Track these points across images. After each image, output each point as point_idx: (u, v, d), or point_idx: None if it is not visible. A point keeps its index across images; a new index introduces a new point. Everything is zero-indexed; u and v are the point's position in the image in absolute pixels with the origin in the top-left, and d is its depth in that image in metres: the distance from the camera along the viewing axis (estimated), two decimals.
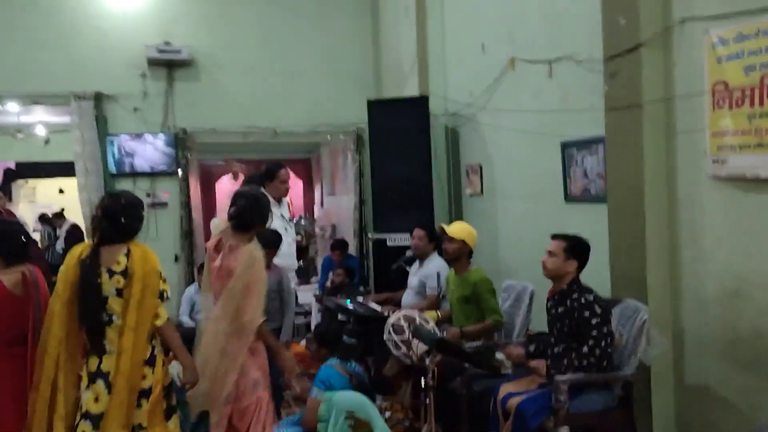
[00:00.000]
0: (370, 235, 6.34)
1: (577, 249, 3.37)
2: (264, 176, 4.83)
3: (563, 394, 3.14)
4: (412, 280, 5.13)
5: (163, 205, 7.68)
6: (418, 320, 4.05)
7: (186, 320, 6.76)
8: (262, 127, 7.89)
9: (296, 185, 11.99)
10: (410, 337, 3.78)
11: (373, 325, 4.49)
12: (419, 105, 6.19)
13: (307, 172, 12.15)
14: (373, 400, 4.05)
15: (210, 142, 8.01)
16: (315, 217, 11.28)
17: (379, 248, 6.10)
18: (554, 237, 3.46)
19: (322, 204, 11.21)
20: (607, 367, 3.22)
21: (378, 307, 4.95)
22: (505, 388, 3.43)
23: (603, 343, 3.19)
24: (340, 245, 7.24)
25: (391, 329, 4.05)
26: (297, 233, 10.07)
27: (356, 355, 4.05)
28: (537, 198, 4.99)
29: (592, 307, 3.23)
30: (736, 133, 3.11)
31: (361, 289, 6.86)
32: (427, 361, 3.27)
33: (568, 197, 4.56)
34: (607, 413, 3.26)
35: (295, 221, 10.24)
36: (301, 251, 9.89)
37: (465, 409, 3.70)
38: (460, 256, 4.27)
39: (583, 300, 3.26)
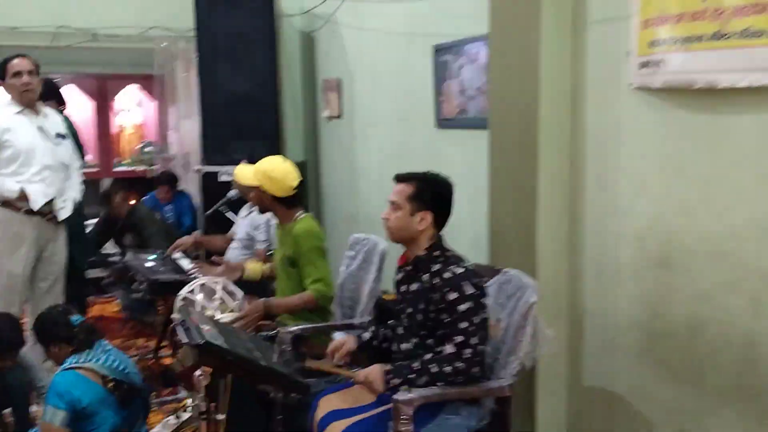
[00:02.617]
0: (197, 168, 4.98)
1: (429, 195, 2.19)
2: None
3: (406, 420, 2.02)
4: (239, 230, 3.86)
5: None
6: (219, 293, 2.82)
7: None
8: (76, 28, 6.18)
9: (149, 106, 10.23)
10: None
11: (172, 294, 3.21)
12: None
13: (162, 91, 10.32)
14: (146, 412, 2.81)
15: (9, 45, 6.20)
16: (168, 143, 9.64)
17: (210, 185, 4.76)
18: (398, 179, 2.27)
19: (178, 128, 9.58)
20: (478, 373, 2.12)
21: (188, 265, 3.65)
22: (326, 403, 2.27)
23: (474, 341, 2.08)
24: (166, 180, 5.80)
25: (181, 305, 2.80)
26: (147, 163, 8.43)
27: (93, 338, 2.65)
28: (403, 123, 3.81)
29: (461, 287, 2.09)
30: (680, 19, 2.00)
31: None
32: (199, 371, 2.06)
33: (441, 121, 3.39)
34: None
35: (139, 147, 8.64)
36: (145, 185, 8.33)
37: (280, 423, 2.54)
38: (266, 206, 3.00)
39: (447, 274, 2.12)
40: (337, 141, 4.80)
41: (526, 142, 2.52)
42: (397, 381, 2.09)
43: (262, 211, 3.01)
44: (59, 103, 4.05)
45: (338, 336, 2.97)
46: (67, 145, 3.53)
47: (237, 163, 4.01)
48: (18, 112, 3.31)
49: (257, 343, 2.16)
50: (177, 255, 3.87)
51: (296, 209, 2.96)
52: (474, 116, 3.11)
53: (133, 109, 9.61)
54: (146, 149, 8.56)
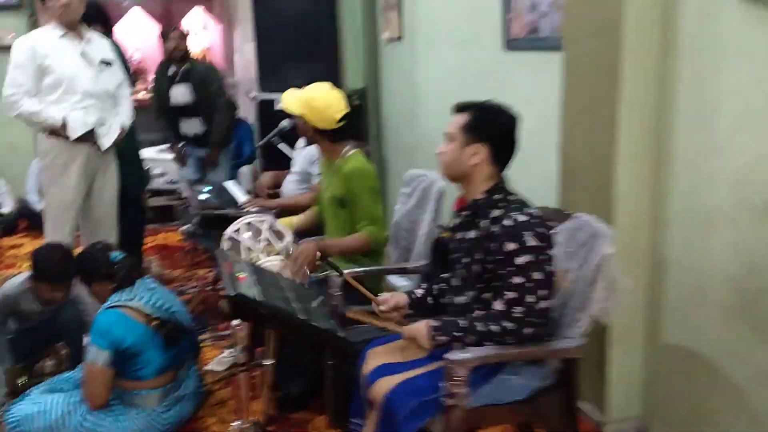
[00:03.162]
0: (252, 95, 4.79)
1: (485, 125, 1.91)
2: None
3: (460, 382, 1.83)
4: (296, 163, 3.69)
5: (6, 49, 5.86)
6: (265, 234, 2.66)
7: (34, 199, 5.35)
8: None
9: (214, 29, 10.01)
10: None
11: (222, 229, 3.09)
12: None
13: (225, 13, 10.06)
14: (196, 352, 2.73)
15: None
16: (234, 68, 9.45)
17: (266, 113, 4.58)
18: (455, 108, 2.00)
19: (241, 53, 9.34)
20: (536, 333, 1.88)
21: (242, 198, 3.52)
22: (375, 356, 2.11)
23: (530, 299, 1.84)
24: None
25: (226, 245, 2.67)
26: None
27: (134, 275, 2.52)
28: (467, 44, 3.46)
29: (522, 237, 1.83)
30: None
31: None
32: (235, 323, 1.92)
33: (508, 42, 3.04)
34: (535, 402, 1.98)
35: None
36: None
37: (330, 368, 2.41)
38: (310, 138, 2.77)
39: (507, 222, 1.86)
40: (397, 65, 4.49)
41: (605, 64, 2.18)
42: (443, 339, 1.89)
43: (309, 143, 2.79)
44: (105, 27, 3.89)
45: (393, 280, 2.79)
46: (113, 71, 3.38)
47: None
48: (60, 37, 3.17)
49: (300, 293, 1.99)
50: (231, 185, 3.74)
51: (343, 144, 2.72)
52: (547, 36, 2.75)
53: (199, 32, 9.44)
54: None
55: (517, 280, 1.83)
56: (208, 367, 3.08)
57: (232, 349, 3.20)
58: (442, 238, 2.67)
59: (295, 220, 2.95)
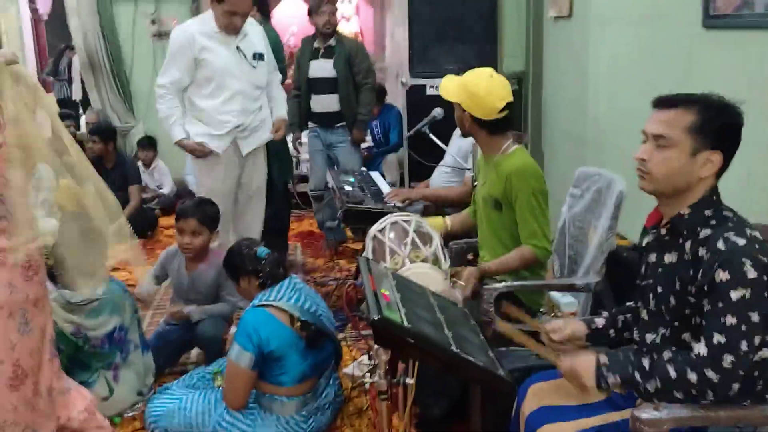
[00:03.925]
0: (403, 80, 4.55)
1: (719, 126, 1.51)
2: None
3: None
4: (449, 153, 3.41)
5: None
6: (411, 236, 2.39)
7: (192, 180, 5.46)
8: None
9: (366, 13, 9.94)
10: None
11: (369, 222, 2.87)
12: None
13: None
14: (337, 359, 2.56)
15: None
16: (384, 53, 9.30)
17: (416, 99, 4.33)
18: (665, 103, 1.58)
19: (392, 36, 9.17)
20: (747, 390, 1.47)
21: (387, 189, 3.28)
22: (538, 394, 1.78)
23: (744, 346, 1.42)
24: None
25: (370, 244, 2.43)
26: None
27: (281, 272, 2.41)
28: (654, 21, 2.98)
29: (739, 266, 1.42)
30: None
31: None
32: (374, 353, 1.67)
33: (710, 18, 2.54)
34: None
35: None
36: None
37: (479, 401, 2.11)
38: (467, 128, 2.44)
39: (721, 245, 1.46)
40: (564, 47, 4.04)
41: None
42: (614, 379, 1.54)
43: (464, 134, 2.50)
44: (263, 12, 3.80)
45: (556, 296, 2.43)
46: (265, 65, 3.30)
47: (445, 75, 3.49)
48: (218, 30, 3.12)
49: (451, 315, 1.70)
50: (376, 176, 3.53)
51: (502, 138, 2.39)
52: (764, 11, 2.25)
53: (351, 16, 9.39)
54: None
55: (729, 320, 1.43)
56: (346, 371, 2.90)
57: (371, 353, 3.00)
58: (624, 255, 2.29)
59: (448, 221, 2.67)
